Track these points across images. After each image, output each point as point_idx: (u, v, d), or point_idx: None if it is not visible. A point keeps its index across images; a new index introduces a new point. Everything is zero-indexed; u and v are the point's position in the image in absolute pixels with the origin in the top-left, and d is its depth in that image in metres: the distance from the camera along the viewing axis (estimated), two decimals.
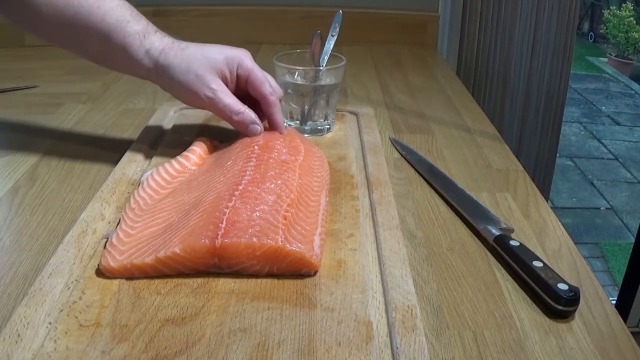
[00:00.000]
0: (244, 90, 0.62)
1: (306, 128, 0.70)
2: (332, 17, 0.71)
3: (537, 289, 0.44)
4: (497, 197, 0.60)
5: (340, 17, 0.71)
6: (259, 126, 0.60)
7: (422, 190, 0.62)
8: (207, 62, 0.58)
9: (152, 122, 0.73)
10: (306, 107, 0.69)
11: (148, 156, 0.64)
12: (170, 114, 0.75)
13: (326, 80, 0.69)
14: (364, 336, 0.38)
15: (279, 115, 0.62)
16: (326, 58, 0.69)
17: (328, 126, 0.71)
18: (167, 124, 0.72)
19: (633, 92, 4.32)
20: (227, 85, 0.60)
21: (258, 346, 0.37)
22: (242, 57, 0.60)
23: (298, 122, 0.70)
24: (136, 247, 0.45)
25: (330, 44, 0.69)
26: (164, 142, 0.67)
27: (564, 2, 1.23)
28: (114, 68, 0.64)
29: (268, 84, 0.61)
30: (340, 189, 0.56)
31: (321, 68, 0.69)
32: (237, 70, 0.60)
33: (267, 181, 0.50)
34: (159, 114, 0.75)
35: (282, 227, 0.45)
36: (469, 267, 0.49)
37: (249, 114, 0.59)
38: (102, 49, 0.59)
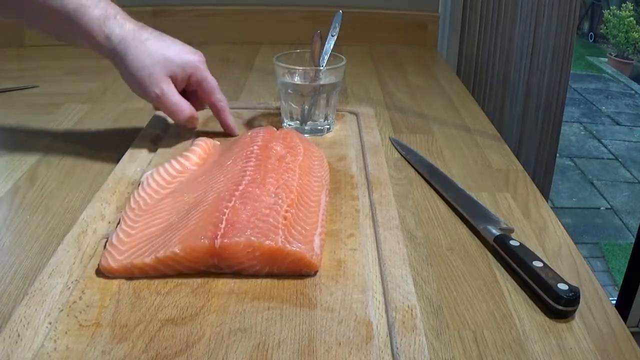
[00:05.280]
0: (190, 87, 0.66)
1: (306, 128, 0.70)
2: (332, 17, 0.71)
3: (537, 289, 0.44)
4: (497, 197, 0.60)
5: (340, 17, 0.71)
6: (197, 121, 0.66)
7: (422, 190, 0.62)
8: (163, 62, 0.60)
9: (152, 122, 0.73)
10: (306, 107, 0.69)
11: (148, 156, 0.64)
12: None
13: (326, 80, 0.69)
14: (364, 336, 0.38)
15: (230, 119, 0.68)
16: (326, 58, 0.69)
17: (328, 126, 0.71)
18: (167, 124, 0.72)
19: (633, 92, 4.32)
20: (175, 85, 0.62)
21: (258, 346, 0.37)
22: (198, 65, 0.63)
23: (298, 122, 0.70)
24: (136, 247, 0.45)
25: (330, 44, 0.69)
26: (164, 142, 0.67)
27: (564, 2, 1.23)
28: (76, 45, 0.64)
29: (218, 92, 0.66)
30: (340, 189, 0.56)
31: (321, 68, 0.69)
32: (190, 77, 0.63)
33: (267, 181, 0.50)
34: (159, 113, 0.75)
35: (282, 227, 0.45)
36: (469, 267, 0.49)
37: (190, 113, 0.63)
38: (64, 32, 0.60)
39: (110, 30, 0.59)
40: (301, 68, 0.69)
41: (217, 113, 0.67)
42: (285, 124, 0.72)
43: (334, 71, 0.69)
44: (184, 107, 0.63)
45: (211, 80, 0.65)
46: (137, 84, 0.60)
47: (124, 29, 0.59)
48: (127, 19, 0.61)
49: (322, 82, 0.69)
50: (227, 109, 0.67)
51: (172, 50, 0.61)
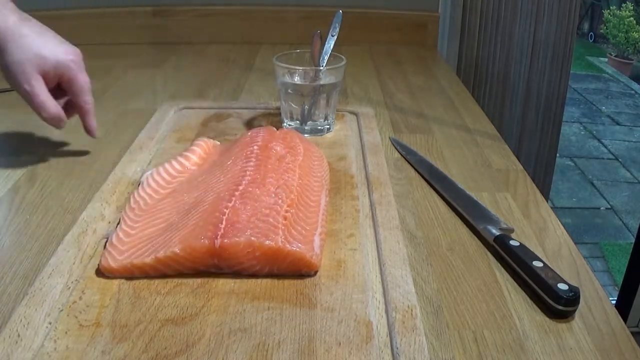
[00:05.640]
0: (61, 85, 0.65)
1: (306, 128, 0.70)
2: (332, 17, 0.71)
3: (537, 289, 0.44)
4: (497, 197, 0.60)
5: (340, 17, 0.71)
6: (63, 122, 0.64)
7: (422, 190, 0.61)
8: (37, 60, 0.61)
9: (152, 122, 0.73)
10: (306, 107, 0.69)
11: (148, 156, 0.64)
12: (170, 114, 0.75)
13: (326, 80, 0.69)
14: (364, 336, 0.38)
15: (93, 121, 0.67)
16: (326, 58, 0.69)
17: (328, 126, 0.71)
18: (167, 124, 0.72)
19: (633, 92, 4.32)
20: (47, 83, 0.62)
21: (258, 346, 0.37)
22: (70, 66, 0.63)
23: (298, 122, 0.70)
24: (136, 247, 0.45)
25: (330, 44, 0.70)
26: (164, 142, 0.67)
27: (564, 2, 1.23)
28: None
29: (86, 94, 0.65)
30: (340, 189, 0.56)
31: (321, 68, 0.69)
32: (61, 77, 0.63)
33: (267, 181, 0.50)
34: (159, 114, 0.75)
35: (282, 227, 0.45)
36: (469, 267, 0.49)
37: (55, 112, 0.63)
38: None
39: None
40: (301, 68, 0.69)
41: (81, 115, 0.66)
42: (285, 124, 0.72)
43: (334, 71, 0.69)
44: (49, 105, 0.62)
45: (81, 81, 0.64)
46: (11, 77, 0.61)
47: (7, 22, 0.60)
48: (14, 10, 0.61)
49: (322, 82, 0.69)
50: (92, 111, 0.67)
51: (48, 49, 0.62)
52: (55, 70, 0.62)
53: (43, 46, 0.62)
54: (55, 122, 0.64)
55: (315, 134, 0.70)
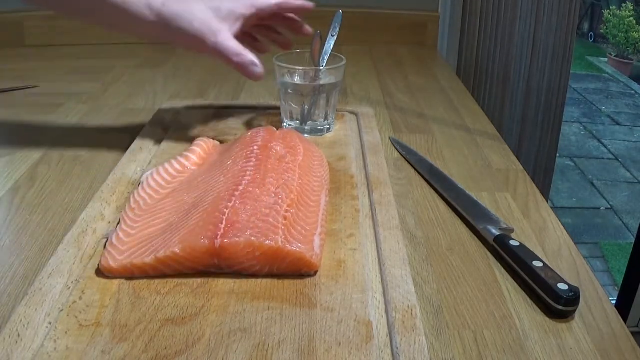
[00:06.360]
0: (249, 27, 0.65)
1: (306, 128, 0.70)
2: (332, 17, 0.71)
3: (537, 289, 0.44)
4: (497, 197, 0.60)
5: (340, 17, 0.71)
6: (258, 67, 0.62)
7: (422, 190, 0.61)
8: (211, 11, 0.60)
9: (152, 122, 0.73)
10: (306, 107, 0.69)
11: (148, 156, 0.64)
12: (170, 114, 0.75)
13: (326, 80, 0.69)
14: (364, 336, 0.38)
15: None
16: (326, 58, 0.69)
17: (328, 126, 0.71)
18: (167, 124, 0.72)
19: (633, 92, 4.32)
20: (230, 31, 0.61)
21: (258, 346, 0.37)
22: (248, 5, 0.62)
23: (298, 122, 0.70)
24: (136, 247, 0.45)
25: (330, 44, 0.69)
26: (164, 142, 0.67)
27: (564, 2, 1.23)
28: (112, 26, 0.64)
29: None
30: (340, 189, 0.56)
31: (321, 68, 0.69)
32: (247, 16, 0.62)
33: (267, 181, 0.50)
34: (159, 114, 0.75)
35: (282, 227, 0.45)
36: (469, 267, 0.49)
37: (248, 56, 0.61)
38: (96, 4, 0.59)
39: None
40: (301, 68, 0.69)
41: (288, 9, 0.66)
42: (285, 124, 0.72)
43: (334, 71, 0.69)
44: (241, 50, 0.60)
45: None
46: (192, 37, 0.59)
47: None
48: None
49: (322, 82, 0.69)
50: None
51: (215, 1, 0.61)
52: (232, 14, 0.61)
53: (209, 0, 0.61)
54: (248, 66, 0.61)
55: (315, 134, 0.70)
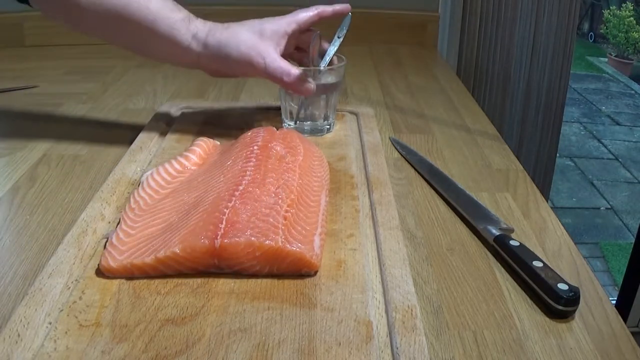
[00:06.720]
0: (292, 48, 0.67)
1: (306, 128, 0.70)
2: (341, 19, 0.71)
3: (537, 289, 0.44)
4: (497, 197, 0.60)
5: (349, 20, 0.71)
6: (310, 84, 0.63)
7: (422, 190, 0.61)
8: (256, 34, 0.62)
9: (152, 122, 0.73)
10: (302, 107, 0.69)
11: (148, 156, 0.64)
12: (170, 114, 0.75)
13: (326, 79, 0.69)
14: (364, 336, 0.38)
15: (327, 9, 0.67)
16: (327, 59, 0.69)
17: (328, 126, 0.71)
18: (167, 124, 0.72)
19: (633, 92, 4.32)
20: (276, 50, 0.63)
21: (258, 346, 0.37)
22: (290, 22, 0.64)
23: (298, 122, 0.70)
24: (136, 247, 0.45)
25: (335, 45, 0.69)
26: (163, 142, 0.67)
27: (564, 2, 1.23)
28: (157, 57, 0.66)
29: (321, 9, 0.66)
30: (340, 189, 0.56)
31: (321, 68, 0.69)
32: (290, 33, 0.64)
33: (267, 181, 0.50)
34: (159, 114, 0.75)
35: (282, 227, 0.45)
36: (469, 267, 0.49)
37: (297, 73, 0.62)
38: (148, 39, 0.61)
39: (196, 29, 0.61)
40: (302, 68, 0.69)
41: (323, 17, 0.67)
42: (285, 124, 0.72)
43: (334, 71, 0.69)
44: (292, 69, 0.62)
45: (306, 13, 0.65)
46: (240, 62, 0.61)
47: (206, 25, 0.62)
48: (202, 19, 0.64)
49: (322, 82, 0.69)
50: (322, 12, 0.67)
51: (257, 25, 0.63)
52: (276, 34, 0.62)
53: (251, 24, 0.63)
54: (302, 84, 0.62)
55: (315, 134, 0.70)
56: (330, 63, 0.69)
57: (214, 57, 0.61)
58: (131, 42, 0.64)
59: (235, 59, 0.61)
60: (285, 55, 0.64)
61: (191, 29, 0.61)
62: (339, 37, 0.69)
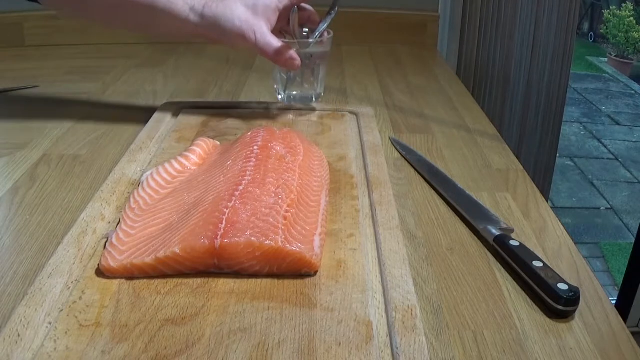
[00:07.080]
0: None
1: (296, 96, 0.75)
2: None
3: (537, 289, 0.44)
4: (497, 197, 0.60)
5: None
6: (296, 61, 0.68)
7: (422, 190, 0.61)
8: (249, 9, 0.65)
9: (152, 122, 0.73)
10: (294, 76, 0.74)
11: (148, 156, 0.64)
12: (170, 114, 0.75)
13: (314, 49, 0.73)
14: (364, 336, 0.38)
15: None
16: (318, 34, 0.72)
17: (316, 95, 0.75)
18: (167, 124, 0.72)
19: (633, 92, 4.32)
20: (267, 26, 0.66)
21: (258, 346, 0.37)
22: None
23: (287, 90, 0.73)
24: (136, 247, 0.45)
25: (326, 22, 0.73)
26: (164, 142, 0.67)
27: (564, 3, 1.23)
28: (161, 33, 0.71)
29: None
30: (340, 189, 0.56)
31: (310, 41, 0.72)
32: (282, 8, 0.67)
33: (267, 181, 0.50)
34: (159, 114, 0.75)
35: (282, 227, 0.45)
36: (469, 267, 0.49)
37: (284, 50, 0.67)
38: (148, 17, 0.65)
39: (193, 1, 0.65)
40: (286, 41, 0.71)
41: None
42: (277, 94, 0.77)
43: (322, 44, 0.73)
44: (280, 45, 0.66)
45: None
46: (234, 34, 0.65)
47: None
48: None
49: (310, 52, 0.72)
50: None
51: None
52: (265, 13, 0.66)
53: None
54: (287, 59, 0.67)
55: (304, 102, 0.75)
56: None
57: (210, 28, 0.65)
58: (133, 22, 0.68)
59: (230, 31, 0.64)
60: (276, 30, 0.68)
61: (188, 1, 0.64)
62: (330, 14, 0.73)
